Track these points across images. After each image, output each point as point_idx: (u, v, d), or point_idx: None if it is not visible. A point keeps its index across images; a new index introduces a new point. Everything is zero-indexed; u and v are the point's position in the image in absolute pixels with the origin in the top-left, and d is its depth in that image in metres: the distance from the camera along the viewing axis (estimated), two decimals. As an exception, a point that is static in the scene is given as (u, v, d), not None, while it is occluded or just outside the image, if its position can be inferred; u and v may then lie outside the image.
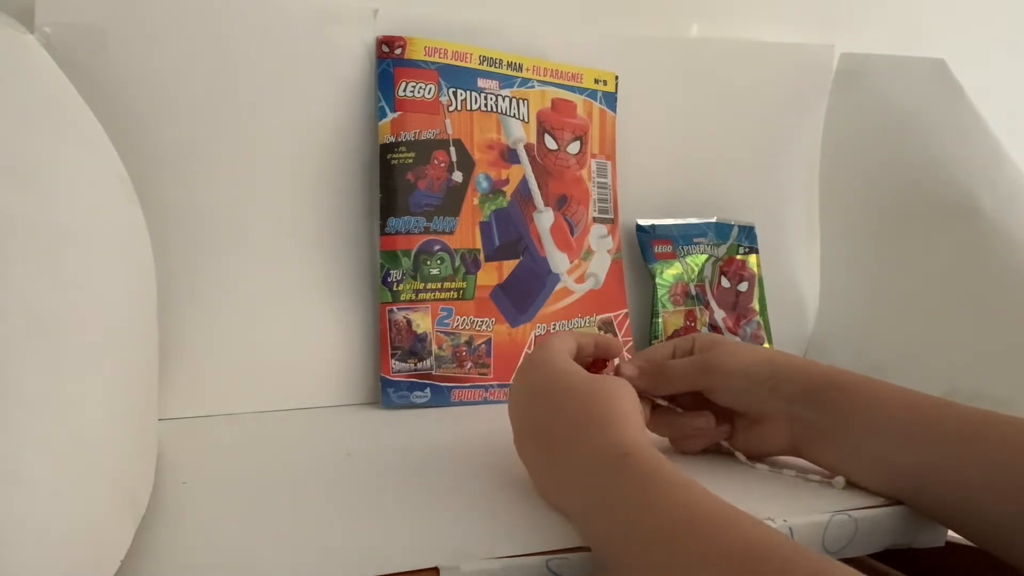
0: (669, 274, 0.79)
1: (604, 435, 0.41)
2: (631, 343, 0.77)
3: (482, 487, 0.48)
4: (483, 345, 0.70)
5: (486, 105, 0.71)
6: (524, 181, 0.72)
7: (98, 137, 0.53)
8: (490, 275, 0.70)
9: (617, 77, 0.78)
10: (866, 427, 0.46)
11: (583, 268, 0.75)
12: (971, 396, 0.48)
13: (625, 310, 0.77)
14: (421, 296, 0.67)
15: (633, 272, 0.80)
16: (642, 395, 0.48)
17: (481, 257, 0.70)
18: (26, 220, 0.39)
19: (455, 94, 0.69)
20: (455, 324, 0.69)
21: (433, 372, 0.68)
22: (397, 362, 0.67)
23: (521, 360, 0.65)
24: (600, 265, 0.76)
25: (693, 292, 0.80)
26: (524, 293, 0.72)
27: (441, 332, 0.68)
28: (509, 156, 0.72)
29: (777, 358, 0.50)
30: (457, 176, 0.69)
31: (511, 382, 0.50)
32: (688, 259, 0.80)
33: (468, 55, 0.70)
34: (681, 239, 0.80)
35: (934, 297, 0.74)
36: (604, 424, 0.42)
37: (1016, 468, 0.41)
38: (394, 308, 0.67)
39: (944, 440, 0.44)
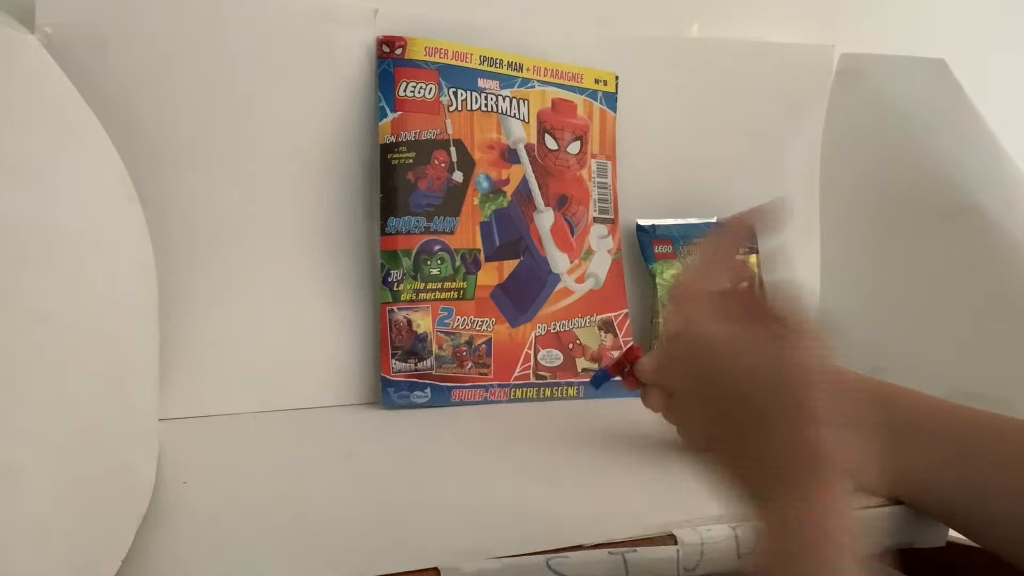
0: (669, 274, 0.79)
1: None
2: (631, 344, 0.77)
3: (482, 487, 0.49)
4: (483, 345, 0.70)
5: (486, 105, 0.71)
6: (524, 181, 0.72)
7: (98, 137, 0.53)
8: (490, 275, 0.70)
9: (617, 77, 0.78)
10: (880, 428, 0.46)
11: (583, 268, 0.75)
12: (970, 396, 0.48)
13: (625, 310, 0.77)
14: (421, 296, 0.67)
15: (633, 272, 0.80)
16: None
17: (481, 257, 0.70)
18: (26, 220, 0.39)
19: (455, 94, 0.69)
20: (455, 324, 0.69)
21: (433, 372, 0.68)
22: (397, 362, 0.67)
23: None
24: (600, 265, 0.76)
25: (693, 292, 0.79)
26: (524, 293, 0.72)
27: (441, 332, 0.68)
28: (509, 156, 0.72)
29: None
30: (457, 176, 0.69)
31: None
32: (688, 259, 0.80)
33: (468, 55, 0.70)
34: (681, 239, 0.80)
35: (933, 297, 0.74)
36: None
37: (1017, 468, 0.41)
38: (394, 308, 0.67)
39: (947, 441, 0.44)
